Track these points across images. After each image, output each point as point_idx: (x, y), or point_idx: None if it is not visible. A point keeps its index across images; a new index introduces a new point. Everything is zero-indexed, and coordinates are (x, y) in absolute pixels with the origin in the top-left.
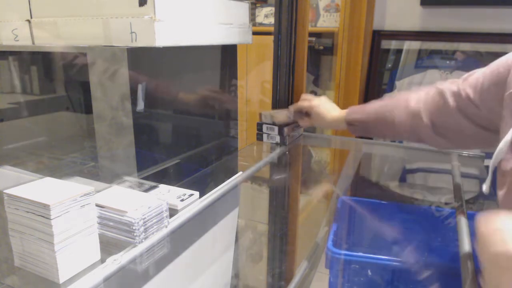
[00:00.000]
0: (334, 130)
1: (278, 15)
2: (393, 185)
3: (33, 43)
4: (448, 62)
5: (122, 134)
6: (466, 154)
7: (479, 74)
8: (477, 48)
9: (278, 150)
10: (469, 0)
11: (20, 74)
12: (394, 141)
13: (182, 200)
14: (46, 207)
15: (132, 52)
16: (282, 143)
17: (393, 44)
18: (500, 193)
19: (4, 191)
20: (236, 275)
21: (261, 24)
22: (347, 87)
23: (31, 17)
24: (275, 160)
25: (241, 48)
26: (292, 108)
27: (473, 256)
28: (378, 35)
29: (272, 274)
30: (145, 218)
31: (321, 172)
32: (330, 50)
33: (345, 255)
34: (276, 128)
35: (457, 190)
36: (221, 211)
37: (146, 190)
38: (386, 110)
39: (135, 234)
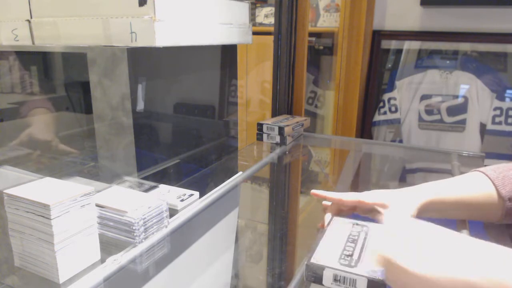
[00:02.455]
0: (334, 130)
1: (278, 15)
2: (393, 185)
3: (33, 43)
4: (448, 62)
5: (122, 134)
6: (466, 154)
7: None
8: (477, 48)
9: (278, 150)
10: (469, 0)
11: (20, 74)
12: (394, 141)
13: (182, 200)
14: (46, 207)
15: (132, 52)
16: (282, 143)
17: (393, 44)
18: None
19: (4, 191)
20: (236, 275)
21: (261, 24)
22: (347, 87)
23: (31, 17)
24: (275, 160)
25: (241, 48)
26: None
27: None
28: (378, 35)
29: (272, 274)
30: (145, 218)
31: (321, 172)
32: (330, 50)
33: None
34: (276, 128)
35: None
36: (221, 211)
37: (146, 190)
38: None
39: (135, 234)
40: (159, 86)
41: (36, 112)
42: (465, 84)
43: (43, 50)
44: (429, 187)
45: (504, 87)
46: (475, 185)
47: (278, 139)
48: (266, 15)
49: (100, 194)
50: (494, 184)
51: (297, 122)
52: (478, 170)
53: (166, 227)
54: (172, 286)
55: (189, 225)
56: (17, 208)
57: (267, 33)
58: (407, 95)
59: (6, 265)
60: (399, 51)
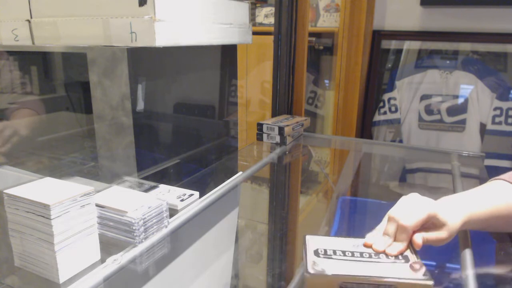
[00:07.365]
0: (334, 130)
1: (278, 15)
2: (393, 185)
3: (33, 43)
4: (448, 62)
5: (122, 134)
6: (466, 154)
7: None
8: (477, 48)
9: (278, 150)
10: (469, 0)
11: (20, 74)
12: (394, 141)
13: (182, 200)
14: (46, 207)
15: (132, 52)
16: (282, 143)
17: (393, 44)
18: None
19: (4, 191)
20: (236, 275)
21: (261, 24)
22: (347, 87)
23: (31, 17)
24: (275, 160)
25: (241, 48)
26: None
27: (473, 256)
28: (378, 35)
29: (272, 274)
30: (145, 218)
31: (321, 172)
32: (330, 50)
33: None
34: (276, 128)
35: (457, 190)
36: (221, 211)
37: (146, 190)
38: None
39: (135, 234)
40: (159, 86)
41: (34, 112)
42: (465, 84)
43: (43, 50)
44: (462, 204)
45: (504, 87)
46: (506, 195)
47: (278, 139)
48: (266, 15)
49: (100, 194)
50: None
51: (297, 122)
52: (499, 179)
53: (166, 227)
54: (172, 286)
55: (189, 225)
56: (17, 208)
57: (267, 33)
58: (407, 95)
59: (6, 265)
60: (399, 51)
